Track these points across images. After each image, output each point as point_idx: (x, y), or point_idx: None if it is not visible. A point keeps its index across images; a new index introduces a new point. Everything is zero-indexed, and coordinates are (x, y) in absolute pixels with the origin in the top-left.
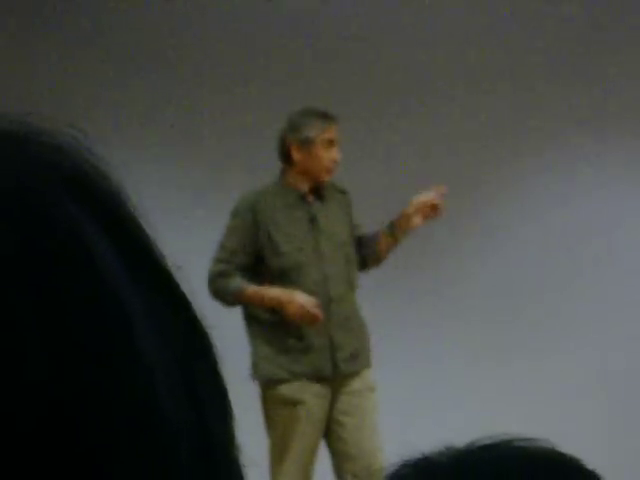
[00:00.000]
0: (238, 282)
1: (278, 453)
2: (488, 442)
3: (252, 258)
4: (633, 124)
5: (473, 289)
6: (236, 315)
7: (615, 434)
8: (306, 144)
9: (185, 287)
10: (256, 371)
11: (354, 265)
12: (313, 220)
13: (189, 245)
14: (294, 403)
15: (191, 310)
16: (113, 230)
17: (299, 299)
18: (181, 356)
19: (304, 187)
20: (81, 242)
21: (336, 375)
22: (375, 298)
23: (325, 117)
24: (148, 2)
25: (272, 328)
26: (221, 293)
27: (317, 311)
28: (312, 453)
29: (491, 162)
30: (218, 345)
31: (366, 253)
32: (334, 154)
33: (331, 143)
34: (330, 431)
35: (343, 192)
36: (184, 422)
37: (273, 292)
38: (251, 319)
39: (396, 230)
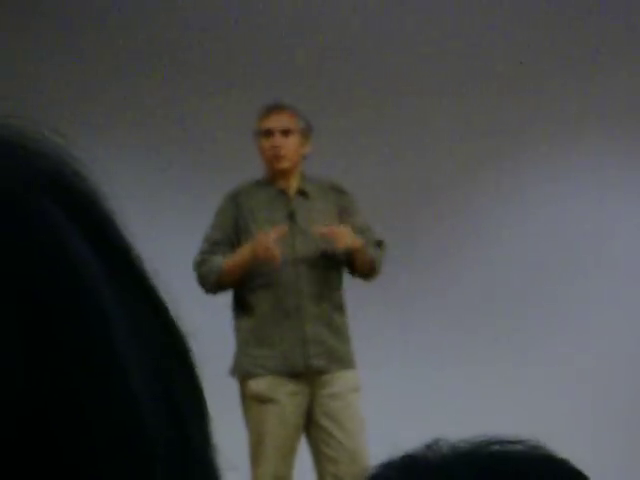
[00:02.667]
0: (218, 260)
1: (254, 449)
2: (475, 441)
3: (234, 249)
4: (631, 125)
5: (466, 291)
6: (217, 317)
7: (608, 436)
8: (254, 137)
9: (163, 291)
10: (234, 366)
11: (336, 265)
12: (291, 216)
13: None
14: (267, 401)
15: (168, 314)
16: (93, 234)
17: (260, 239)
18: (158, 359)
19: (279, 181)
20: (61, 245)
21: (309, 371)
22: (367, 301)
23: (266, 108)
24: (146, 1)
25: (250, 323)
26: (205, 277)
27: (272, 245)
28: (288, 452)
29: (487, 164)
30: (196, 348)
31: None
32: (272, 142)
33: (268, 132)
34: (311, 433)
35: (342, 192)
36: (161, 426)
37: (241, 250)
38: (236, 314)
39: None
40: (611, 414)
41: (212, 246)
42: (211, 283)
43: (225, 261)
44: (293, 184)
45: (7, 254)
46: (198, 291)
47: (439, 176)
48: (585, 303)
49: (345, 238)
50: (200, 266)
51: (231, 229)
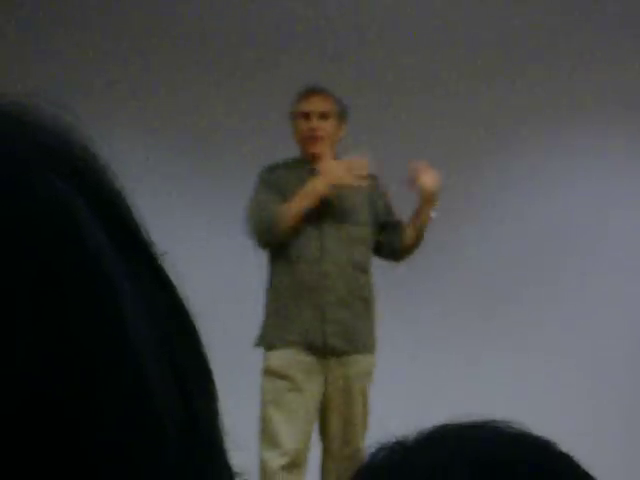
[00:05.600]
0: (278, 206)
1: (266, 425)
2: (461, 425)
3: None
4: (627, 114)
5: (464, 279)
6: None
7: (606, 423)
8: (290, 119)
9: (170, 270)
10: (258, 337)
11: (363, 246)
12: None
13: (178, 233)
14: (284, 377)
15: (175, 292)
16: (101, 209)
17: (328, 166)
18: (166, 337)
19: (313, 162)
20: (70, 218)
21: (326, 349)
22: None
23: (304, 91)
24: None
25: (274, 295)
26: (264, 223)
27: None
28: (302, 430)
29: (488, 150)
30: (205, 330)
31: (391, 240)
32: (310, 124)
33: (306, 115)
34: (321, 412)
35: (371, 176)
36: (170, 403)
37: (305, 189)
38: (266, 285)
39: (414, 216)
40: (609, 402)
41: (267, 196)
42: (268, 235)
43: (288, 203)
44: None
45: (15, 226)
46: (203, 276)
47: (437, 162)
48: (584, 291)
49: (432, 180)
50: (258, 213)
51: (273, 194)
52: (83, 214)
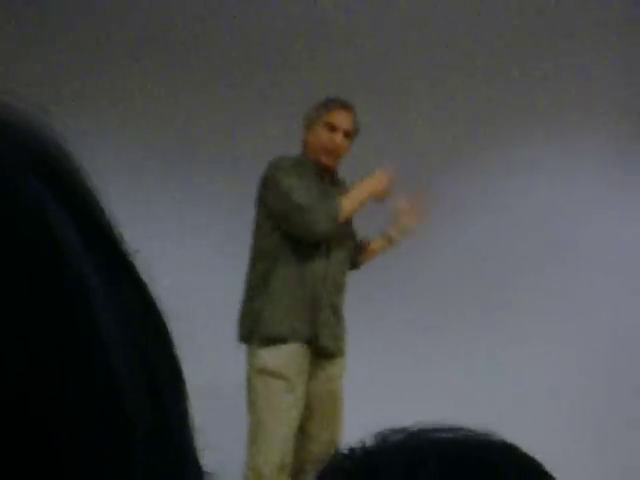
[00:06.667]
0: (334, 202)
1: (259, 429)
2: (414, 429)
3: None
4: (601, 117)
5: (446, 271)
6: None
7: (585, 419)
8: (309, 123)
9: (143, 271)
10: (255, 330)
11: (350, 253)
12: None
13: (155, 231)
14: (279, 377)
15: (148, 292)
16: (75, 209)
17: (380, 177)
18: (138, 336)
19: (319, 169)
20: (44, 218)
21: (325, 350)
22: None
23: (333, 102)
24: None
25: (282, 294)
26: (330, 214)
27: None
28: (292, 433)
29: (475, 145)
30: (175, 329)
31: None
32: (334, 138)
33: (332, 127)
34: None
35: (342, 182)
36: (141, 403)
37: (360, 188)
38: (263, 279)
39: (388, 233)
40: (590, 398)
41: (309, 184)
42: (331, 225)
43: (344, 201)
44: (327, 175)
45: None
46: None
47: (436, 162)
48: (568, 285)
49: (414, 221)
50: (319, 203)
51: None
52: (57, 214)
